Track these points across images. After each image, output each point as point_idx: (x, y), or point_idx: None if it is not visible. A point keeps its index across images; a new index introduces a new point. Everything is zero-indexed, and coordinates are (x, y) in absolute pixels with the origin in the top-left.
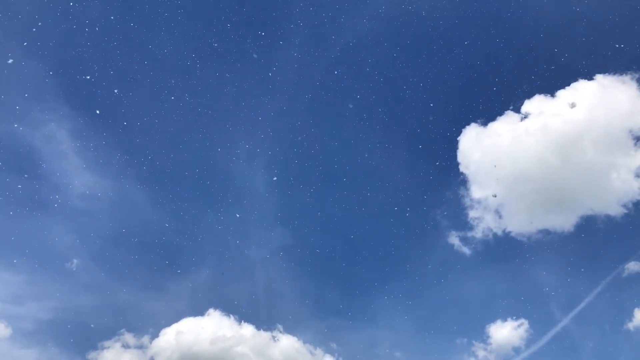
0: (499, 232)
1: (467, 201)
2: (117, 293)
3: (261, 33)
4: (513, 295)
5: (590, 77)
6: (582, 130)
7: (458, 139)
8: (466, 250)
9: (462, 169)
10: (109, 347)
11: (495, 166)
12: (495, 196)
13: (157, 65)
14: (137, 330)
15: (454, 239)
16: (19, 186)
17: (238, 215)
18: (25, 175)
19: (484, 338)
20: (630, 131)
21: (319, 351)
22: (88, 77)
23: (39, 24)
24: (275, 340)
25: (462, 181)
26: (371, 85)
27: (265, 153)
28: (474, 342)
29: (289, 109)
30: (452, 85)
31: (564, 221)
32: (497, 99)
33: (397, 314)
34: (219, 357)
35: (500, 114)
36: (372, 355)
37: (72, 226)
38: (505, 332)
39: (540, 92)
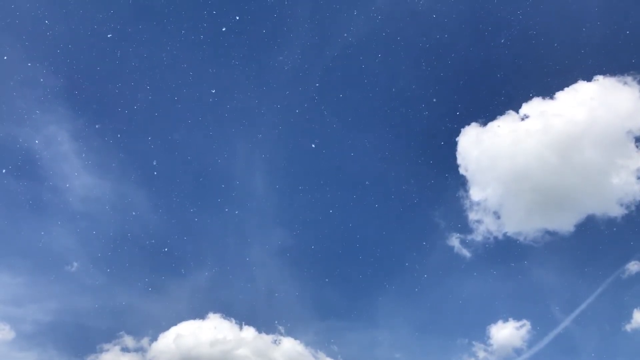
0: (499, 235)
1: (466, 203)
2: (116, 296)
3: (261, 32)
4: (514, 296)
5: (590, 79)
6: (583, 131)
7: (457, 139)
8: (466, 252)
9: (461, 170)
10: (108, 350)
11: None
12: None
13: (157, 66)
14: (137, 333)
15: (454, 241)
16: (19, 188)
17: (238, 218)
18: (25, 177)
19: (484, 339)
20: (630, 132)
21: (321, 354)
22: (88, 78)
23: (40, 24)
24: (277, 344)
25: (461, 183)
26: (370, 86)
27: (265, 154)
28: (474, 342)
29: (288, 109)
30: (451, 85)
31: (565, 222)
32: (496, 100)
33: (397, 315)
34: None
35: (501, 113)
36: (372, 357)
37: (72, 228)
38: (507, 332)
39: (539, 94)
